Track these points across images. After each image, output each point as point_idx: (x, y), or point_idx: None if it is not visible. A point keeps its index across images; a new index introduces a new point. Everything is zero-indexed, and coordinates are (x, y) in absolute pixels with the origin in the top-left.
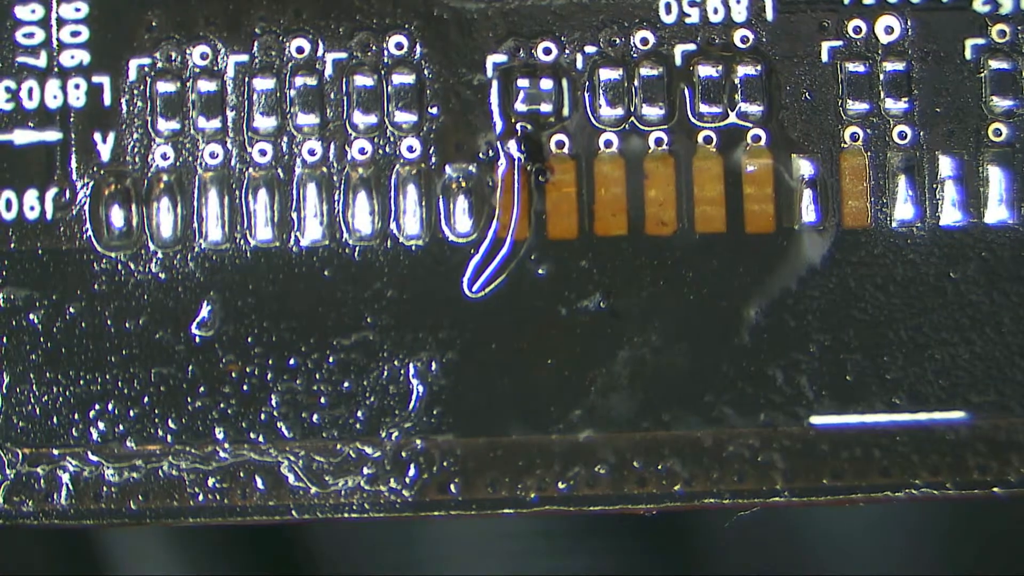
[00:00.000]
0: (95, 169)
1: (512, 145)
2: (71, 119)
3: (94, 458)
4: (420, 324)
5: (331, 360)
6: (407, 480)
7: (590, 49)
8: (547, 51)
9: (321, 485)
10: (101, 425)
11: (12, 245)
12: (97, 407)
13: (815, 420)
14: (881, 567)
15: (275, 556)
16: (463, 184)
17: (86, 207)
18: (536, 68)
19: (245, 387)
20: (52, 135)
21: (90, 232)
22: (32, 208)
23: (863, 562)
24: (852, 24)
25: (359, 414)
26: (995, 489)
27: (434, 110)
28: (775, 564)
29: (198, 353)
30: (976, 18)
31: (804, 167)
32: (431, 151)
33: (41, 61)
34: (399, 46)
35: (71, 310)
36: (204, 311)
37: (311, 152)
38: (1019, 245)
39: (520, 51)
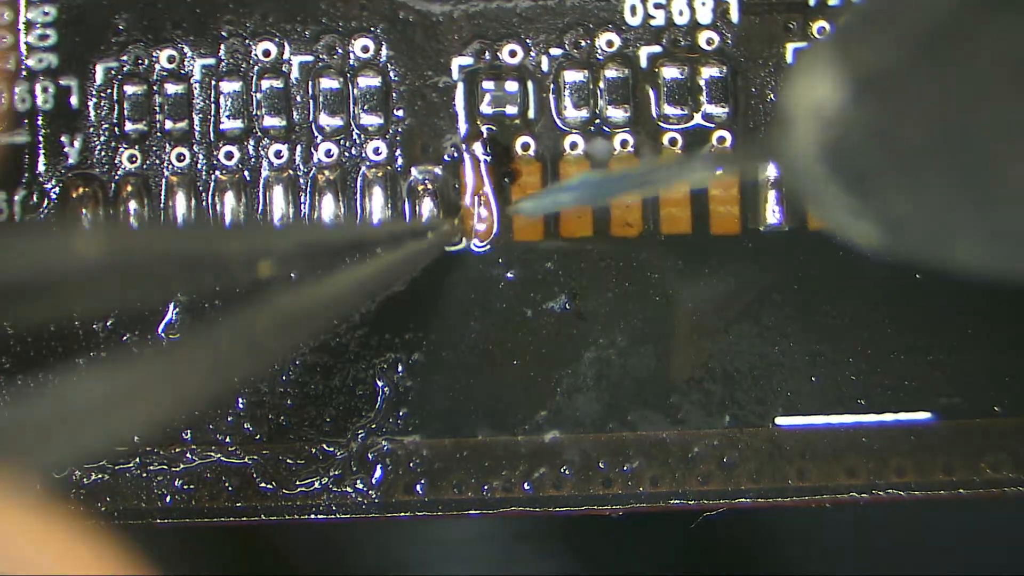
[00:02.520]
0: (63, 171)
1: (478, 147)
2: (39, 121)
3: None
4: (386, 325)
5: (297, 361)
6: (373, 481)
7: (555, 51)
8: (512, 53)
9: (288, 486)
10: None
11: None
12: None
13: (780, 421)
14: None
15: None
16: (429, 186)
17: (54, 209)
18: (501, 70)
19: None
20: (20, 137)
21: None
22: (0, 211)
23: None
24: (817, 25)
25: (326, 415)
26: (960, 491)
27: (400, 113)
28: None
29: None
30: None
31: (769, 169)
32: (397, 153)
33: (9, 64)
34: (365, 49)
35: None
36: (171, 313)
37: (278, 154)
38: None
39: (485, 54)
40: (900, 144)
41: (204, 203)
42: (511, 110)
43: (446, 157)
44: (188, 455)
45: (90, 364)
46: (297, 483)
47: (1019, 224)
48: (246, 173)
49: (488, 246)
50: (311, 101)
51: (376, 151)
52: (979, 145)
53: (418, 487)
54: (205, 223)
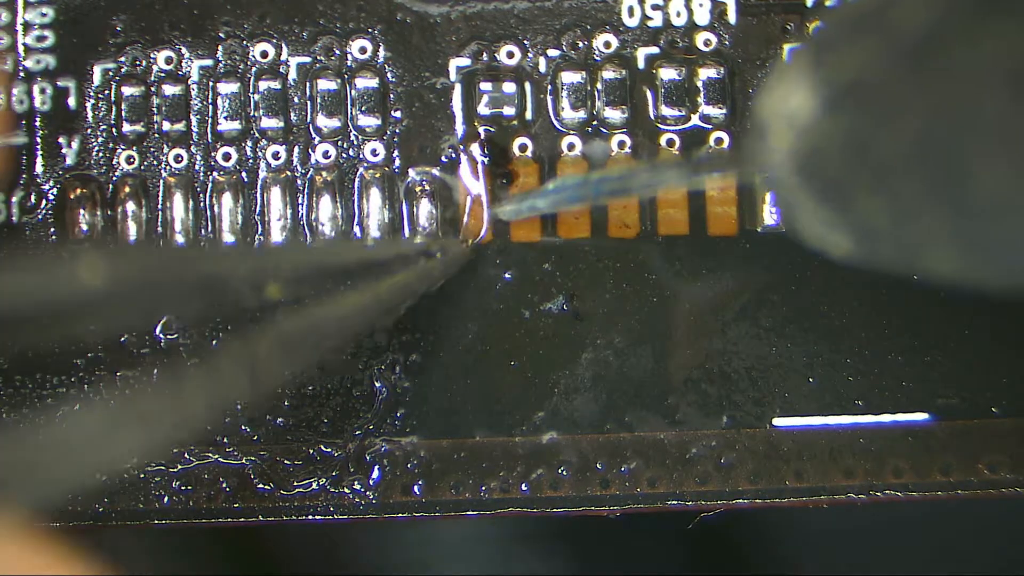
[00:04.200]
0: (61, 172)
1: (475, 148)
2: (37, 123)
3: None
4: (384, 326)
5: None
6: (371, 482)
7: (553, 52)
8: (510, 55)
9: (286, 487)
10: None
11: None
12: (63, 410)
13: (778, 422)
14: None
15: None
16: (426, 187)
17: (52, 210)
18: (499, 72)
19: None
20: (18, 139)
21: (56, 235)
22: None
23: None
24: (814, 26)
25: (323, 416)
26: (958, 492)
27: (397, 114)
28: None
29: (162, 356)
30: None
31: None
32: (394, 155)
33: (7, 65)
34: (362, 50)
35: None
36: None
37: (275, 156)
38: None
39: (483, 55)
40: (874, 154)
41: (202, 204)
42: (509, 111)
43: (444, 158)
44: (186, 456)
45: (86, 393)
46: (295, 484)
47: (992, 235)
48: (244, 174)
49: (476, 245)
50: (309, 102)
51: (374, 152)
52: (953, 156)
53: (416, 488)
54: (208, 246)
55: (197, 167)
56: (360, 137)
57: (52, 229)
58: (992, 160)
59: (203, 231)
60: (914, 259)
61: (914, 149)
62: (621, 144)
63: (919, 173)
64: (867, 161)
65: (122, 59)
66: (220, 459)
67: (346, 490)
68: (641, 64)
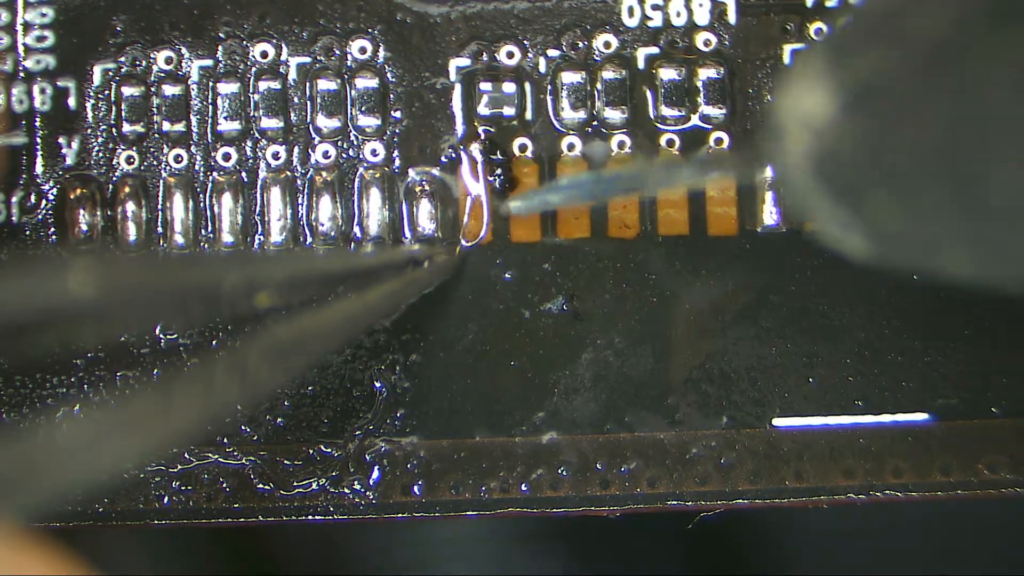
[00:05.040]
0: (61, 172)
1: (475, 148)
2: (37, 123)
3: None
4: (383, 326)
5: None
6: (371, 482)
7: (553, 53)
8: (510, 55)
9: (286, 487)
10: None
11: None
12: (63, 410)
13: (777, 422)
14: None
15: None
16: (426, 187)
17: (52, 210)
18: (499, 72)
19: None
20: (18, 139)
21: (56, 235)
22: None
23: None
24: (814, 27)
25: (323, 417)
26: (958, 492)
27: (397, 114)
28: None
29: (163, 356)
30: None
31: (764, 172)
32: (394, 155)
33: (7, 65)
34: (362, 50)
35: None
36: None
37: (275, 156)
38: None
39: (483, 55)
40: (890, 156)
41: (202, 204)
42: (508, 111)
43: (443, 158)
44: (186, 456)
45: (80, 401)
46: (295, 484)
47: (1005, 236)
48: (243, 174)
49: (476, 245)
50: (308, 102)
51: (374, 152)
52: (967, 158)
53: (415, 488)
54: (200, 254)
55: (197, 167)
56: (360, 137)
57: (52, 229)
58: (1006, 163)
59: (203, 231)
60: (929, 259)
61: (929, 150)
62: (621, 144)
63: (934, 174)
64: (882, 163)
65: (122, 59)
66: (220, 459)
67: (346, 490)
68: (641, 64)
